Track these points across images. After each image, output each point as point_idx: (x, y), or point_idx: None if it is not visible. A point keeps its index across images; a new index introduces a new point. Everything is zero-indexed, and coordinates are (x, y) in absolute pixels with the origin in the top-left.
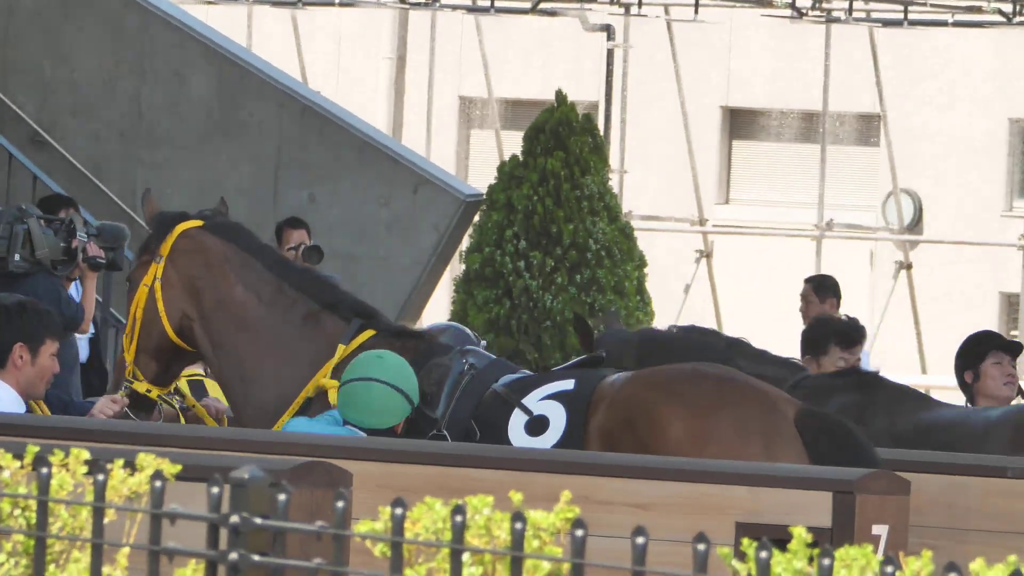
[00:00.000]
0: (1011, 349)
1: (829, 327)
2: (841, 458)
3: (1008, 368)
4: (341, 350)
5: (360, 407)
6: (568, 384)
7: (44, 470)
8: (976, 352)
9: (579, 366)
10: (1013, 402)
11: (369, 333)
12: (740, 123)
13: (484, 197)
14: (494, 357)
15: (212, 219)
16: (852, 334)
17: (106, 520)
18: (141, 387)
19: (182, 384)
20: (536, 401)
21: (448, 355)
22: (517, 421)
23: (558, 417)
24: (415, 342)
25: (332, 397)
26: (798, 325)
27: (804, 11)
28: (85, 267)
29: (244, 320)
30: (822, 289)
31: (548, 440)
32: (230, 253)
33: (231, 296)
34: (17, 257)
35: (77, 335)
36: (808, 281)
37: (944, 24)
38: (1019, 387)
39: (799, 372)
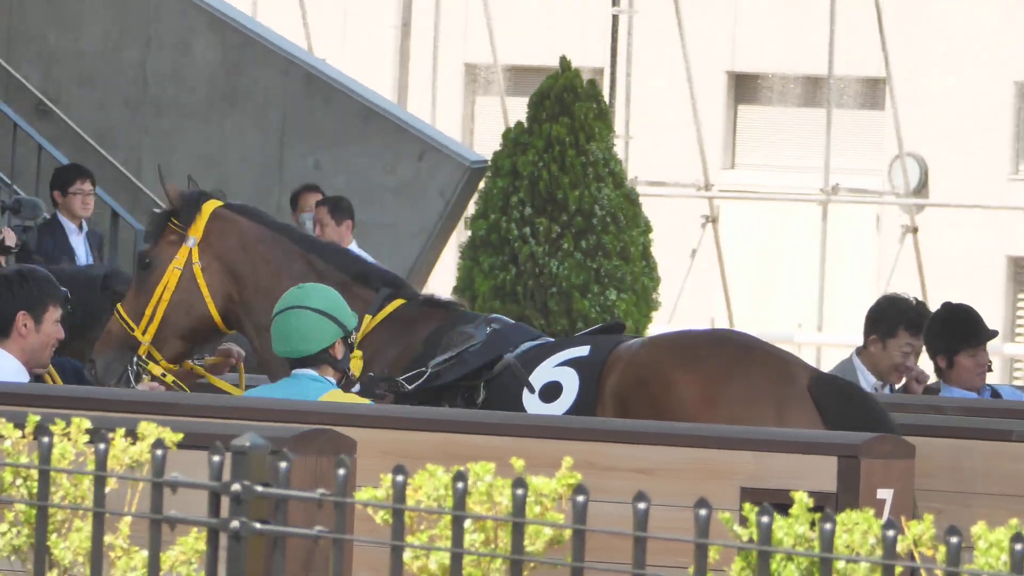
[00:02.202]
0: (986, 339)
1: (899, 311)
2: (857, 423)
3: (983, 359)
4: (368, 320)
5: (284, 337)
6: (583, 350)
7: (45, 439)
8: (951, 341)
9: (600, 333)
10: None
11: (398, 302)
12: (745, 88)
13: (489, 163)
14: (521, 325)
15: (228, 200)
16: (921, 320)
17: (108, 489)
18: (156, 370)
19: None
20: (551, 367)
21: (473, 323)
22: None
23: (571, 383)
24: (442, 310)
25: (355, 367)
26: (804, 289)
27: None
28: None
29: (278, 298)
30: (338, 211)
31: (561, 406)
32: (259, 233)
33: (268, 277)
34: None
35: None
36: (323, 203)
37: None
38: (989, 366)
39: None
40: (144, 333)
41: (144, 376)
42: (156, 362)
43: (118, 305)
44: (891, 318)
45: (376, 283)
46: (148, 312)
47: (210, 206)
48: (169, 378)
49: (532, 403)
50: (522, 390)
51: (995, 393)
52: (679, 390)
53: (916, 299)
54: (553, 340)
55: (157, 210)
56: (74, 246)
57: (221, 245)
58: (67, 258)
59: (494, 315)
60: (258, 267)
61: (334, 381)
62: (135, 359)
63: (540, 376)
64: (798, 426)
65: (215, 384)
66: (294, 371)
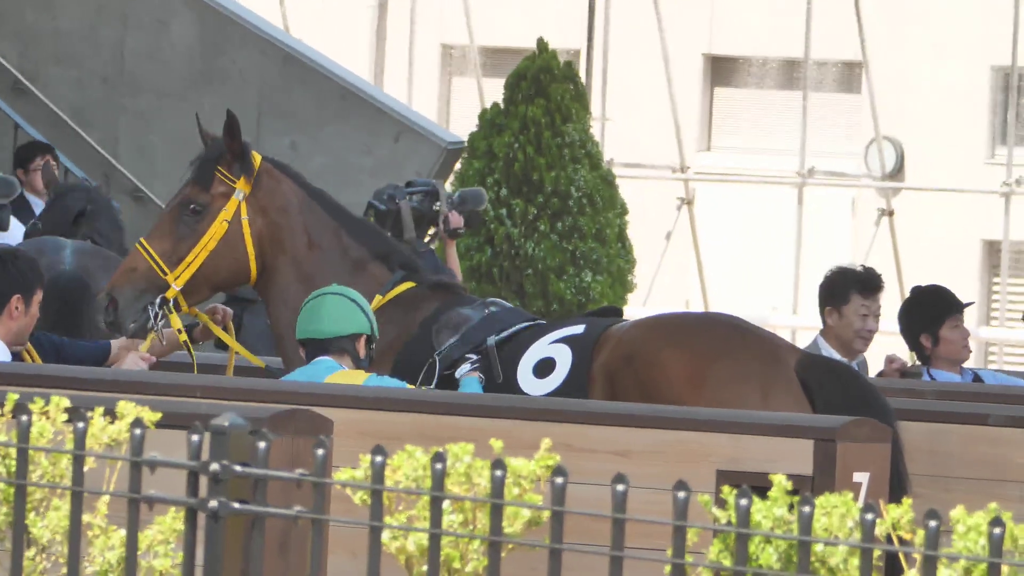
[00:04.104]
0: (962, 308)
1: (848, 276)
2: (847, 403)
3: (965, 330)
4: (378, 300)
5: (315, 317)
6: (579, 328)
7: (24, 418)
8: (932, 316)
9: (598, 316)
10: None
11: (408, 285)
12: (722, 71)
13: (465, 144)
14: (518, 309)
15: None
16: (871, 281)
17: (86, 468)
18: (176, 323)
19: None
20: (547, 344)
21: (472, 305)
22: (526, 364)
23: (564, 359)
24: (444, 292)
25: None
26: (779, 272)
27: None
28: (445, 236)
29: (305, 271)
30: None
31: (554, 381)
32: (301, 200)
33: (299, 246)
34: (389, 235)
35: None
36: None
37: None
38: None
39: None
40: (177, 279)
41: (154, 331)
42: (179, 310)
43: (143, 242)
44: (840, 285)
45: (394, 265)
46: (188, 259)
47: (256, 158)
48: (183, 336)
49: (526, 378)
50: (516, 368)
51: (977, 378)
52: (666, 368)
53: (863, 266)
54: (545, 322)
55: (200, 155)
56: None
57: (268, 203)
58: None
59: (492, 298)
60: (296, 236)
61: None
62: (158, 301)
63: (535, 352)
64: (784, 408)
65: (226, 341)
66: (313, 360)
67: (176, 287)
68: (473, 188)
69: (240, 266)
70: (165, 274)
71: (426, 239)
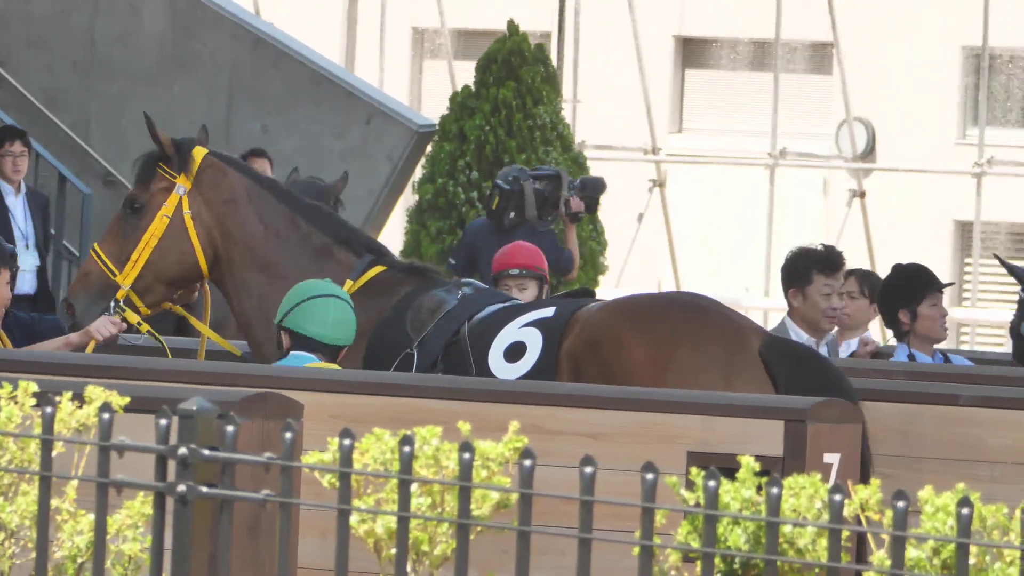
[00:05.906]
0: (942, 288)
1: (810, 257)
2: (810, 385)
3: (943, 309)
4: (349, 285)
5: (319, 321)
6: (548, 312)
7: None
8: (911, 292)
9: (571, 297)
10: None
11: (379, 268)
12: (693, 52)
13: (436, 127)
14: (493, 290)
15: (214, 150)
16: (833, 260)
17: (54, 452)
18: (133, 318)
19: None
20: (517, 328)
21: (446, 287)
22: (497, 348)
23: (535, 343)
24: (419, 276)
25: None
26: (750, 254)
27: None
28: (566, 219)
29: (265, 259)
30: None
31: (524, 365)
32: (249, 189)
33: (254, 235)
34: (512, 215)
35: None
36: None
37: None
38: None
39: None
40: (125, 279)
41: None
42: (135, 309)
43: (95, 246)
44: (802, 266)
45: (359, 249)
46: (134, 258)
47: (199, 153)
48: (144, 327)
49: (497, 363)
50: (487, 352)
51: (947, 360)
52: (629, 352)
53: (823, 245)
54: (519, 304)
55: (143, 154)
56: (10, 207)
57: (214, 196)
58: (3, 219)
59: (466, 279)
60: (249, 225)
61: None
62: (113, 304)
63: (506, 336)
64: (747, 391)
65: (198, 327)
66: (294, 352)
67: (125, 287)
68: (593, 176)
69: (188, 259)
70: (114, 275)
71: (547, 220)
